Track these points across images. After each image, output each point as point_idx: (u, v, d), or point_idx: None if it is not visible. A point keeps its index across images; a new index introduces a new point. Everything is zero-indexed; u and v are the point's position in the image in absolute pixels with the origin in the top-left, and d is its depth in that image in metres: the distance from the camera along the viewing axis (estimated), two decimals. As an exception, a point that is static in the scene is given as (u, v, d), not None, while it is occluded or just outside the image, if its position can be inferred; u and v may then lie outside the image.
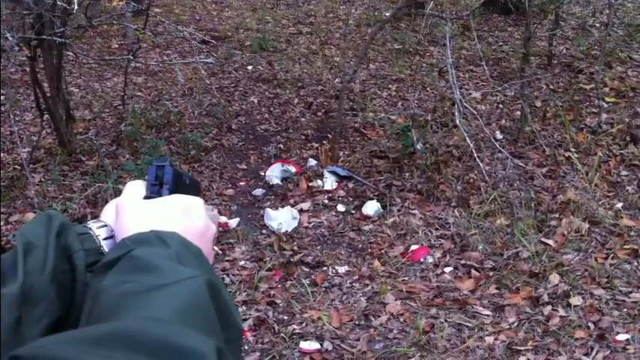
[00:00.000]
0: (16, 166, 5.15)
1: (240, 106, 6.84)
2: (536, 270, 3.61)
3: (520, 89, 6.21)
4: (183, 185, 0.87)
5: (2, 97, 6.46)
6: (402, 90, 7.28)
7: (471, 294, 3.53)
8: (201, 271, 0.70)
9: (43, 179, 4.96)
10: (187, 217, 0.80)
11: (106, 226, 0.82)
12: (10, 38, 5.77)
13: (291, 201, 4.96)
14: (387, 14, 9.33)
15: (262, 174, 5.44)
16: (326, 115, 6.63)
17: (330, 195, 5.03)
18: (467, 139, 4.80)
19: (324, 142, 5.92)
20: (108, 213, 0.86)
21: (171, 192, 0.84)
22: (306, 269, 3.96)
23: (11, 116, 5.72)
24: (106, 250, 0.80)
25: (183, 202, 0.82)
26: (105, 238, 0.81)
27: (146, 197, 0.83)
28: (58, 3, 4.79)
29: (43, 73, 5.50)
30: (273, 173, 5.37)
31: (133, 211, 0.80)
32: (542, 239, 3.96)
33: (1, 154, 5.40)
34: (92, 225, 0.82)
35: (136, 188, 0.86)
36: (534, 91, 6.88)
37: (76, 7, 4.77)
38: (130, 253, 0.70)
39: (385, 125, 6.24)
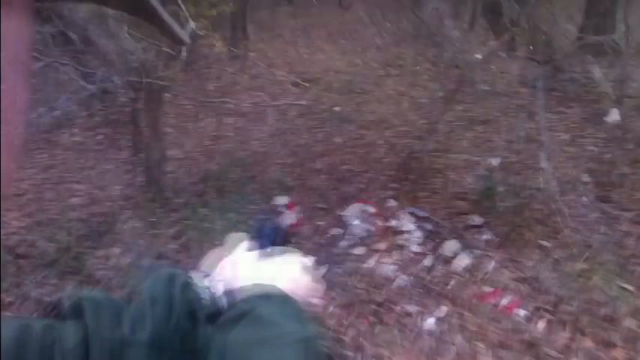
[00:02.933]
0: (108, 203, 5.43)
1: (325, 146, 6.96)
2: (613, 315, 3.47)
3: (611, 131, 6.05)
4: (281, 239, 0.97)
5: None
6: (489, 131, 7.21)
7: (542, 337, 3.43)
8: (311, 328, 0.80)
9: (132, 215, 5.21)
10: (291, 272, 0.91)
11: (222, 280, 0.90)
12: (117, 81, 6.16)
13: (369, 240, 4.98)
14: (477, 56, 9.31)
15: (342, 214, 5.50)
16: (409, 156, 6.64)
17: (407, 236, 5.02)
18: (552, 181, 4.71)
19: (405, 182, 5.94)
20: (216, 264, 0.94)
21: (274, 245, 0.94)
22: (377, 308, 3.96)
23: (109, 155, 6.10)
24: (224, 303, 0.87)
25: (287, 258, 0.93)
26: (223, 292, 0.89)
27: (252, 252, 0.93)
28: (163, 49, 5.07)
29: (141, 115, 5.80)
30: (352, 213, 5.42)
31: (243, 266, 0.90)
32: (622, 284, 3.81)
33: (94, 191, 5.71)
34: (210, 279, 0.91)
35: (240, 242, 0.96)
36: (626, 133, 6.65)
37: (184, 54, 5.05)
38: (255, 311, 0.79)
39: (468, 167, 6.19)
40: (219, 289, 0.88)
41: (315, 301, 0.91)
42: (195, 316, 0.82)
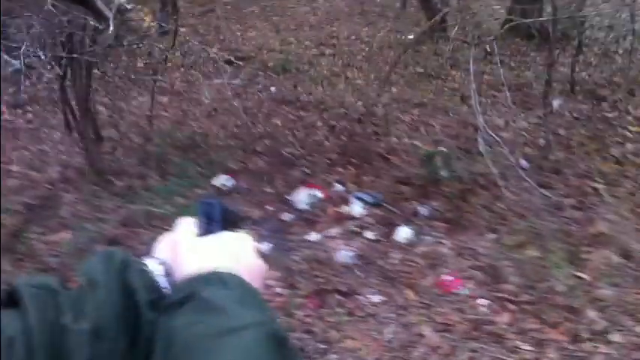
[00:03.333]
0: (48, 186, 5.19)
1: (264, 128, 6.89)
2: (573, 304, 3.62)
3: (543, 117, 6.24)
4: (229, 222, 0.91)
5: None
6: (425, 114, 7.32)
7: (508, 327, 3.54)
8: (263, 314, 0.73)
9: (74, 199, 5.00)
10: (241, 255, 0.84)
11: (163, 263, 0.84)
12: (43, 56, 5.86)
13: (320, 226, 4.98)
14: (410, 37, 9.40)
15: (289, 198, 5.47)
16: (350, 139, 6.66)
17: (358, 221, 5.05)
18: (492, 167, 4.82)
19: (349, 166, 5.95)
20: (162, 248, 0.88)
21: (221, 229, 0.88)
22: (340, 297, 3.98)
23: (42, 135, 5.82)
24: (166, 286, 0.82)
25: (236, 240, 0.86)
26: (163, 275, 0.83)
27: (199, 235, 0.87)
28: (90, 22, 4.85)
29: (71, 92, 5.56)
30: (300, 198, 5.40)
31: (191, 250, 0.83)
32: (576, 273, 3.97)
33: (31, 172, 5.46)
34: (150, 262, 0.84)
35: (187, 225, 0.89)
36: (557, 118, 6.90)
37: (111, 28, 4.84)
38: (196, 295, 0.73)
39: (409, 151, 6.27)
40: (161, 271, 0.83)
41: (261, 281, 0.85)
42: (136, 299, 0.77)
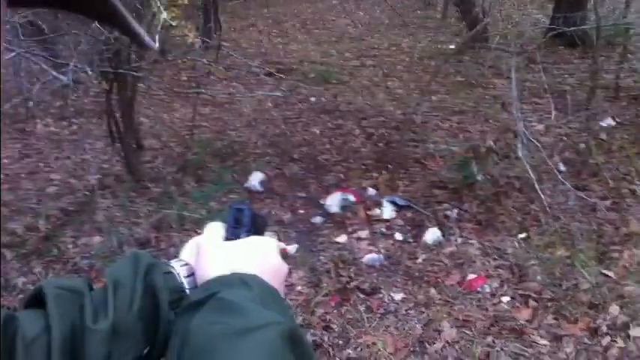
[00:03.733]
0: (86, 192, 5.37)
1: (302, 136, 6.97)
2: (596, 301, 3.54)
3: (586, 121, 6.14)
4: (257, 226, 0.95)
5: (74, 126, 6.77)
6: (464, 122, 7.29)
7: (528, 323, 3.49)
8: (282, 315, 0.75)
9: (111, 205, 5.15)
10: (264, 258, 0.87)
11: (187, 264, 0.88)
12: (90, 72, 6.08)
13: (349, 229, 5.01)
14: (452, 47, 9.39)
15: (322, 202, 5.51)
16: (386, 146, 6.68)
17: (388, 224, 5.05)
18: (529, 170, 4.77)
19: (384, 172, 5.97)
20: (188, 251, 0.92)
21: (249, 233, 0.92)
22: (362, 295, 3.99)
23: (84, 146, 6.02)
24: (187, 287, 0.86)
25: (260, 243, 0.89)
26: (186, 276, 0.86)
27: (226, 239, 0.90)
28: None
29: (116, 104, 5.75)
30: (333, 202, 5.43)
31: (215, 253, 0.87)
32: (603, 271, 3.89)
33: (70, 180, 5.65)
34: (175, 264, 0.88)
35: (216, 229, 0.92)
36: (600, 123, 6.78)
37: (156, 44, 5.00)
38: (216, 295, 0.76)
39: (446, 156, 6.25)
40: (185, 273, 0.86)
41: (284, 288, 0.88)
42: (158, 300, 0.80)
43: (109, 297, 0.77)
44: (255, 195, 5.58)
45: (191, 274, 0.86)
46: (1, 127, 5.71)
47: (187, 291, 0.85)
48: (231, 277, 0.80)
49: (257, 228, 0.94)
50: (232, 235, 0.90)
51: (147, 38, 0.72)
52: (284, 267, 0.90)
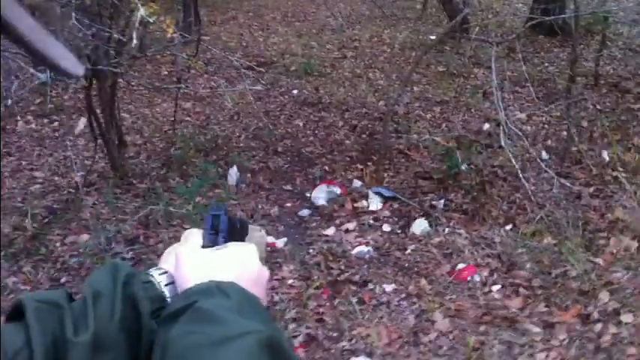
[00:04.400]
0: (70, 190, 5.32)
1: (285, 129, 6.95)
2: (586, 288, 3.59)
3: (566, 109, 6.19)
4: (236, 231, 0.94)
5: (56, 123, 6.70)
6: (447, 112, 7.31)
7: (519, 312, 3.52)
8: (261, 323, 0.75)
9: (96, 202, 5.11)
10: (243, 265, 0.86)
11: (166, 272, 0.87)
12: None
13: (337, 221, 5.01)
14: (432, 37, 9.40)
15: (308, 195, 5.51)
16: (370, 138, 6.68)
17: (375, 215, 5.07)
18: (512, 159, 4.81)
19: (369, 163, 5.98)
20: (167, 259, 0.90)
21: (226, 239, 0.91)
22: (354, 288, 4.00)
23: (67, 142, 5.95)
24: (168, 295, 0.84)
25: (239, 250, 0.88)
26: (166, 284, 0.85)
27: (204, 246, 0.89)
28: (114, 35, 4.98)
29: (96, 101, 5.69)
30: (319, 194, 5.43)
31: (192, 261, 0.85)
32: (591, 258, 3.93)
33: (54, 178, 5.59)
34: (154, 272, 0.87)
35: (193, 236, 0.92)
36: (581, 111, 6.84)
37: (134, 41, 4.96)
38: (194, 305, 0.75)
39: (429, 147, 6.27)
40: (165, 282, 0.85)
41: (265, 294, 0.88)
42: (139, 310, 0.79)
43: (88, 308, 0.76)
44: (240, 190, 5.57)
45: (171, 282, 0.85)
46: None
47: (168, 299, 0.84)
48: (209, 286, 0.79)
49: (236, 233, 0.94)
50: (210, 242, 0.90)
51: (68, 63, 0.63)
52: (264, 272, 0.89)
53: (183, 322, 0.74)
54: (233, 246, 0.89)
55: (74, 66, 0.64)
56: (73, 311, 0.76)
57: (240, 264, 0.85)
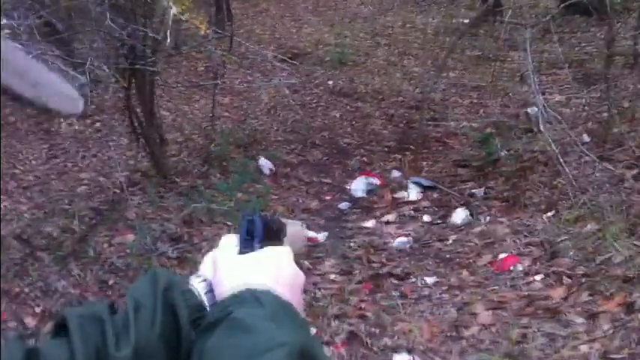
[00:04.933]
0: (115, 190, 5.43)
1: (322, 121, 6.99)
2: (630, 274, 3.55)
3: (605, 91, 6.09)
4: (271, 234, 0.95)
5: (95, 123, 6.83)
6: (484, 97, 7.27)
7: (563, 302, 3.50)
8: (295, 330, 0.77)
9: (140, 201, 5.21)
10: (277, 270, 0.87)
11: (205, 280, 0.88)
12: (107, 70, 6.13)
13: (377, 213, 5.04)
14: (465, 21, 9.31)
15: (347, 187, 5.55)
16: (407, 127, 6.68)
17: (414, 206, 5.08)
18: (551, 144, 4.76)
19: (407, 153, 5.98)
20: (206, 266, 0.92)
21: (262, 243, 0.92)
22: (395, 281, 4.03)
23: (109, 143, 6.08)
24: (207, 304, 0.85)
25: (274, 254, 0.89)
26: (205, 292, 0.86)
27: (240, 252, 0.90)
28: (149, 34, 5.06)
29: (135, 100, 5.79)
30: (358, 186, 5.47)
31: (229, 268, 0.87)
32: (635, 242, 3.89)
33: (99, 178, 5.71)
34: (193, 280, 0.88)
35: (229, 242, 0.92)
36: (621, 91, 6.71)
37: (168, 40, 5.04)
38: (230, 315, 0.77)
39: (467, 134, 6.25)
40: (204, 290, 0.86)
41: (301, 297, 0.89)
42: (179, 319, 0.80)
43: (130, 320, 0.78)
44: (280, 184, 5.63)
45: (210, 290, 0.87)
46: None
47: (207, 308, 0.85)
48: (244, 294, 0.80)
49: (271, 236, 0.94)
50: (245, 247, 0.91)
51: (63, 102, 0.66)
52: (300, 276, 0.90)
53: (218, 332, 0.75)
54: (268, 250, 0.89)
55: (70, 103, 0.68)
56: (115, 324, 0.78)
57: (274, 269, 0.86)
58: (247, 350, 0.72)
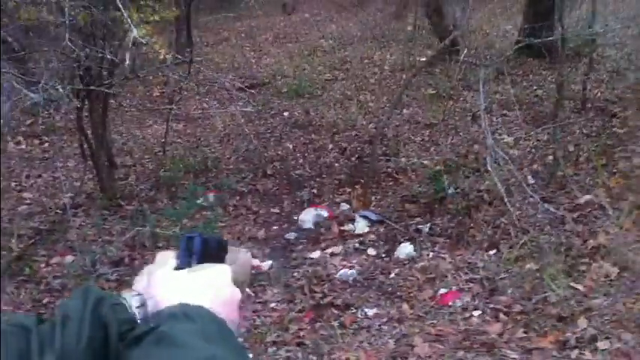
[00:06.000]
0: (58, 211, 5.35)
1: (275, 151, 7.01)
2: (565, 314, 3.61)
3: (553, 134, 6.25)
4: (211, 252, 0.94)
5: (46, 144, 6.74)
6: (435, 135, 7.37)
7: (499, 337, 3.54)
8: (225, 348, 0.77)
9: (83, 223, 5.14)
10: (213, 286, 0.87)
11: (139, 295, 0.88)
12: (61, 89, 6.07)
13: (323, 244, 5.05)
14: (422, 59, 9.48)
15: (295, 218, 5.55)
16: (359, 161, 6.74)
17: (361, 239, 5.11)
18: (498, 183, 4.85)
19: (357, 186, 6.02)
20: (141, 282, 0.91)
21: (200, 261, 0.91)
22: (336, 311, 4.03)
23: (57, 163, 5.99)
24: (139, 318, 0.85)
25: (210, 272, 0.89)
26: (137, 307, 0.86)
27: (177, 268, 0.90)
28: (107, 56, 5.03)
29: (88, 122, 5.73)
30: (306, 217, 5.48)
31: (164, 283, 0.87)
32: (572, 284, 3.97)
33: (42, 199, 5.63)
34: (126, 295, 0.88)
35: (166, 258, 0.92)
36: (567, 135, 6.89)
37: (127, 62, 5.02)
38: (157, 329, 0.77)
39: (417, 170, 6.32)
40: (137, 305, 0.86)
41: (238, 316, 0.88)
42: (107, 332, 0.80)
43: (56, 331, 0.78)
44: (229, 211, 5.61)
45: (143, 304, 0.87)
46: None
47: (139, 322, 0.85)
48: (175, 310, 0.80)
49: (212, 255, 0.94)
50: (183, 263, 0.90)
51: None
52: (236, 294, 0.90)
53: (143, 346, 0.75)
54: (205, 267, 0.89)
55: None
56: (41, 334, 0.78)
57: (210, 286, 0.86)
58: None
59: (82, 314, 0.80)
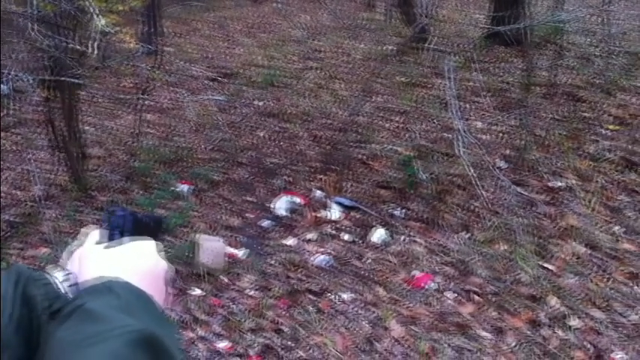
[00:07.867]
0: (31, 203, 5.30)
1: (249, 140, 7.00)
2: (536, 294, 3.69)
3: (522, 119, 6.34)
4: (145, 229, 0.97)
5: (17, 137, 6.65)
6: (407, 122, 7.42)
7: (472, 318, 3.61)
8: (150, 320, 0.78)
9: (56, 215, 5.10)
10: (137, 260, 0.89)
11: (70, 273, 0.89)
12: (28, 80, 5.99)
13: (298, 231, 5.08)
14: (392, 48, 9.52)
15: (269, 206, 5.57)
16: (332, 148, 6.76)
17: (336, 225, 5.14)
18: (468, 168, 4.92)
19: (331, 173, 6.05)
20: (71, 260, 0.92)
21: (122, 235, 0.93)
22: (312, 297, 4.06)
23: (28, 155, 5.93)
24: (67, 294, 0.85)
25: (135, 247, 0.91)
26: (70, 286, 0.87)
27: (97, 242, 0.92)
28: (76, 47, 4.98)
29: (57, 113, 5.68)
30: (280, 205, 5.50)
31: (91, 261, 0.88)
32: (543, 264, 4.05)
33: (14, 192, 5.57)
34: (57, 274, 0.88)
35: (95, 236, 0.94)
36: (536, 120, 6.99)
37: (95, 51, 4.97)
38: (82, 306, 0.77)
39: (390, 156, 6.37)
40: (67, 282, 0.87)
41: (163, 288, 0.90)
42: (37, 310, 0.80)
43: None
44: (203, 200, 5.60)
45: (75, 283, 0.87)
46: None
47: (67, 298, 0.85)
48: (98, 285, 0.81)
49: (144, 231, 0.95)
50: (104, 238, 0.92)
51: None
52: (161, 266, 0.91)
53: (69, 323, 0.76)
54: (129, 241, 0.91)
55: None
56: None
57: (134, 260, 0.88)
58: (92, 337, 0.72)
59: (13, 294, 0.80)
